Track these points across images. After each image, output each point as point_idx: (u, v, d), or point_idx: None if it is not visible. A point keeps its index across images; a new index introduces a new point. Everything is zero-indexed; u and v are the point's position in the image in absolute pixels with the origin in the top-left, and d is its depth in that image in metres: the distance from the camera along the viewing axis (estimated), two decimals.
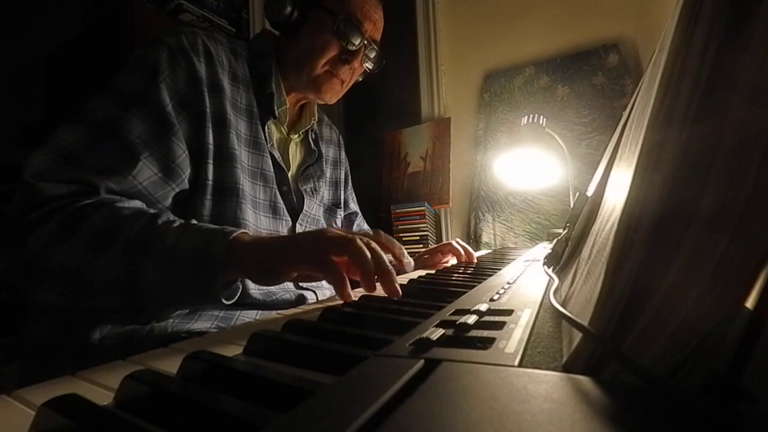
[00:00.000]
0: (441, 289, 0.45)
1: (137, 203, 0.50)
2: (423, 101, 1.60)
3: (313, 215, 0.77)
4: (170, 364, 0.21)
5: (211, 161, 0.57)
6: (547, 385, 0.14)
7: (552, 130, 1.14)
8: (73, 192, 0.46)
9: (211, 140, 0.57)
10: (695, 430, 0.11)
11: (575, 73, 1.32)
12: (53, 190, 0.45)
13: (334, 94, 0.72)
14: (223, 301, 0.43)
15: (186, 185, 0.56)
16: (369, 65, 0.74)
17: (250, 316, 0.58)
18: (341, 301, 0.38)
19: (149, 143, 0.52)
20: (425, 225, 1.37)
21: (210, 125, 0.57)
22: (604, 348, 0.15)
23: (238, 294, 0.46)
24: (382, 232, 0.50)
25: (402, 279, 0.58)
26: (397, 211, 1.41)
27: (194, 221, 0.48)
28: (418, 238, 1.38)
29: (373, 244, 0.41)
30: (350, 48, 0.67)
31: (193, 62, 0.57)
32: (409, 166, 1.57)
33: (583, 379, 0.14)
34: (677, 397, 0.12)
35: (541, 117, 1.14)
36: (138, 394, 0.17)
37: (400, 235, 1.40)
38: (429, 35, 1.59)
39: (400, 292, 0.39)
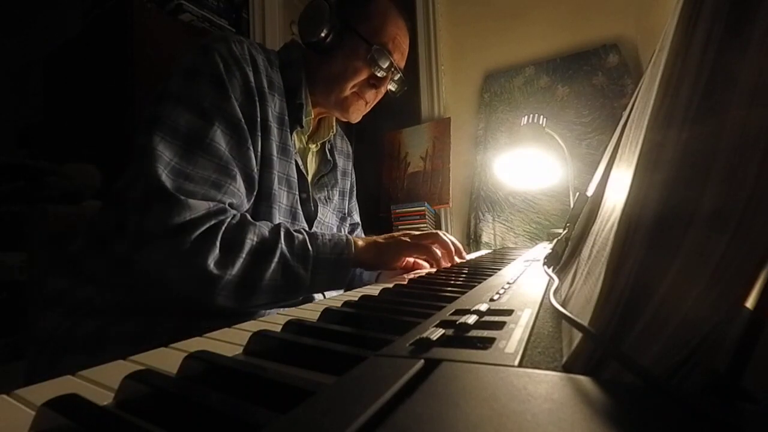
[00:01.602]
0: (441, 289, 0.45)
1: (265, 221, 0.59)
2: (423, 101, 1.60)
3: (327, 223, 0.79)
4: (170, 364, 0.21)
5: (258, 168, 0.61)
6: (547, 385, 0.14)
7: (552, 130, 1.14)
8: (214, 211, 0.52)
9: (260, 147, 0.61)
10: (695, 430, 0.11)
11: (575, 73, 1.32)
12: (200, 208, 0.51)
13: (358, 114, 0.77)
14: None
15: (256, 190, 0.61)
16: (392, 88, 0.79)
17: (255, 312, 0.59)
18: (341, 301, 0.38)
19: (235, 156, 0.56)
20: (425, 225, 1.37)
21: (259, 133, 0.61)
22: (604, 348, 0.15)
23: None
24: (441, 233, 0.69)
25: (402, 279, 0.58)
26: (397, 211, 1.41)
27: (314, 231, 0.62)
28: None
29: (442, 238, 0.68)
30: (379, 75, 0.71)
31: (246, 72, 0.60)
32: (409, 166, 1.57)
33: (583, 379, 0.14)
34: (677, 397, 0.12)
35: (541, 117, 1.14)
36: (138, 394, 0.17)
37: None
38: (429, 35, 1.59)
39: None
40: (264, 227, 0.56)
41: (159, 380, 0.18)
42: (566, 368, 0.16)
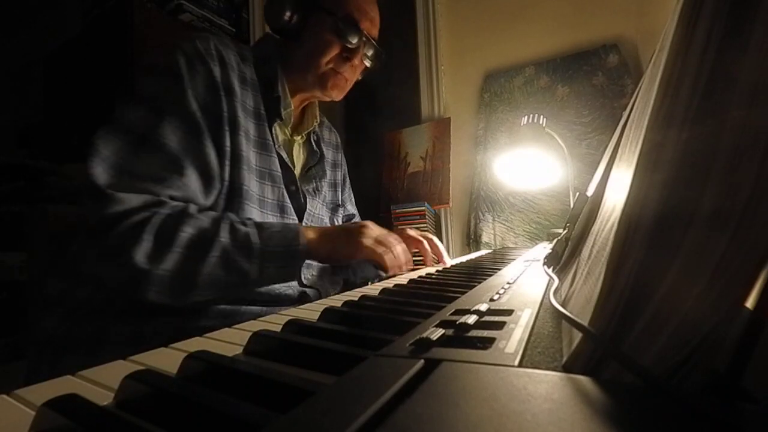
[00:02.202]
0: (441, 289, 0.45)
1: (209, 212, 0.56)
2: (423, 101, 1.60)
3: (318, 215, 0.78)
4: (170, 364, 0.21)
5: (228, 163, 0.60)
6: (547, 385, 0.14)
7: (552, 130, 1.14)
8: (149, 203, 0.51)
9: (228, 143, 0.60)
10: (695, 430, 0.11)
11: (575, 73, 1.32)
12: (131, 202, 0.49)
13: (339, 91, 0.75)
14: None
15: (220, 188, 0.59)
16: (369, 61, 0.76)
17: (254, 311, 0.59)
18: (341, 301, 0.38)
19: (188, 150, 0.55)
20: (425, 225, 1.37)
21: (227, 128, 0.60)
22: (604, 348, 0.15)
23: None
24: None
25: (402, 279, 0.58)
26: (397, 211, 1.41)
27: (258, 221, 0.58)
28: None
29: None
30: (350, 46, 0.70)
31: (210, 67, 0.59)
32: (409, 166, 1.57)
33: (583, 379, 0.14)
34: (677, 397, 0.12)
35: (541, 117, 1.14)
36: (138, 394, 0.17)
37: None
38: (429, 35, 1.59)
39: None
40: (205, 219, 0.53)
41: (159, 380, 0.18)
42: (566, 368, 0.16)
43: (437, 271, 0.68)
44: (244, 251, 0.53)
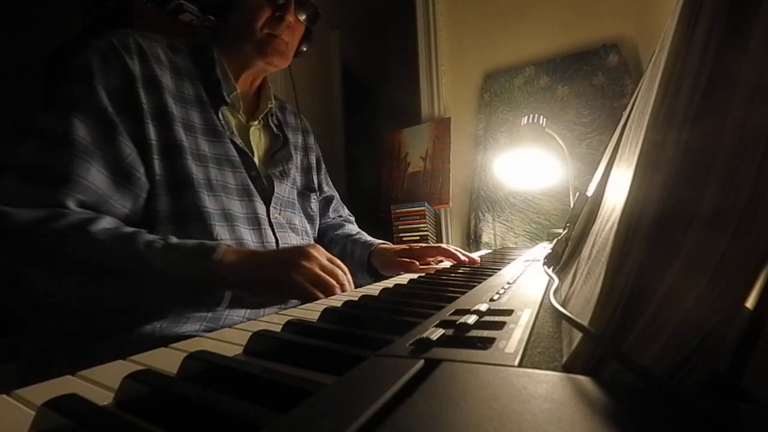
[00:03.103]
0: (441, 289, 0.45)
1: (106, 221, 0.50)
2: (423, 101, 1.60)
3: (287, 198, 0.77)
4: (170, 364, 0.21)
5: (157, 157, 0.57)
6: (547, 385, 0.14)
7: (552, 130, 1.14)
8: (40, 218, 0.46)
9: (153, 136, 0.57)
10: (695, 430, 0.11)
11: (575, 73, 1.32)
12: (20, 217, 0.46)
13: (281, 56, 0.72)
14: (217, 309, 0.48)
15: (145, 184, 0.56)
16: (305, 17, 0.74)
17: (239, 315, 0.58)
18: (341, 301, 0.38)
19: (96, 145, 0.52)
20: (425, 225, 1.37)
21: (149, 121, 0.57)
22: (604, 348, 0.15)
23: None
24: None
25: (402, 279, 0.58)
26: (397, 211, 1.41)
27: (173, 238, 0.50)
28: (418, 238, 1.38)
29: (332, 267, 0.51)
30: (280, 2, 0.68)
31: (125, 61, 0.57)
32: (409, 166, 1.57)
33: (583, 379, 0.14)
34: (677, 397, 0.12)
35: (541, 117, 1.14)
36: (138, 394, 0.17)
37: (400, 235, 1.40)
38: (429, 35, 1.59)
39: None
40: (102, 236, 0.47)
41: (159, 380, 0.18)
42: (566, 368, 0.16)
43: (437, 271, 0.68)
44: (135, 276, 0.47)
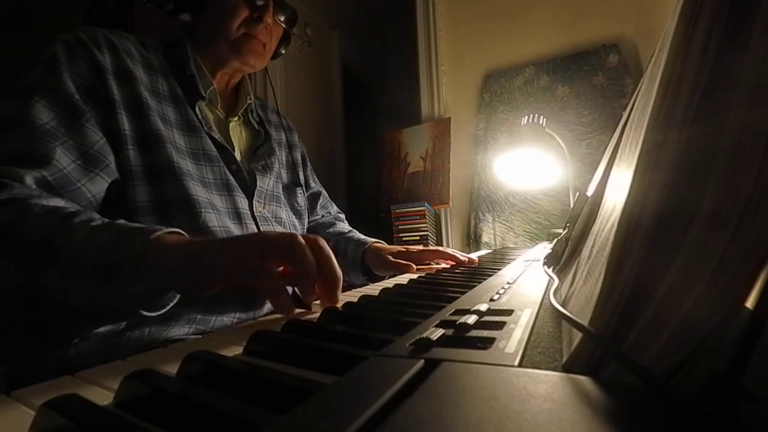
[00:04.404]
0: (441, 289, 0.45)
1: (59, 201, 0.45)
2: (423, 101, 1.60)
3: (271, 192, 0.76)
4: (170, 364, 0.21)
5: (132, 147, 0.56)
6: (547, 385, 0.14)
7: (552, 130, 1.15)
8: None
9: (126, 126, 0.56)
10: (695, 430, 0.11)
11: (575, 73, 1.32)
12: None
13: (257, 57, 0.71)
14: (144, 313, 0.35)
15: (114, 172, 0.54)
16: (282, 19, 0.73)
17: (228, 319, 0.57)
18: (341, 301, 0.38)
19: (60, 130, 0.50)
20: (425, 225, 1.37)
21: (123, 112, 0.56)
22: (604, 348, 0.15)
23: (170, 305, 0.38)
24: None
25: (402, 279, 0.58)
26: (397, 211, 1.41)
27: (122, 220, 0.42)
28: (418, 238, 1.38)
29: (321, 242, 0.36)
30: (258, 3, 0.67)
31: (93, 53, 0.56)
32: (409, 166, 1.57)
33: (583, 379, 0.14)
34: (677, 397, 0.12)
35: (541, 117, 1.14)
36: (138, 394, 0.17)
37: (400, 235, 1.40)
38: (429, 35, 1.60)
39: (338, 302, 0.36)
40: (39, 209, 0.41)
41: (159, 380, 0.18)
42: (566, 368, 0.16)
43: (436, 271, 0.68)
44: (46, 252, 0.37)
